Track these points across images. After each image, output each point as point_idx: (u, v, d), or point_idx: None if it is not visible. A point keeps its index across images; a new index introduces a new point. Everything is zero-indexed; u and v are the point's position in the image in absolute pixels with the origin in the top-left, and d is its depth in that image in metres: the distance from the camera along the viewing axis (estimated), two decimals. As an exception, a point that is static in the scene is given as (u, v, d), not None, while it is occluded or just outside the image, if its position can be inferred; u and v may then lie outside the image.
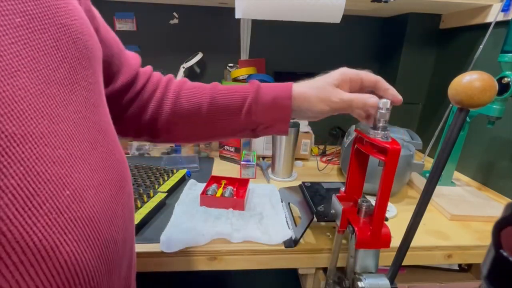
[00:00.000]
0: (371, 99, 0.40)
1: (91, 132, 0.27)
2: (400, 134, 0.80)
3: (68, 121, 0.24)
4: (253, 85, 0.45)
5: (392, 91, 0.42)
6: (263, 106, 0.43)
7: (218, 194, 0.68)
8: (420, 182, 0.83)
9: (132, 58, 0.46)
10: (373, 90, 0.44)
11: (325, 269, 0.57)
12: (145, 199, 0.65)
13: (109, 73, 0.41)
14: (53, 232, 0.22)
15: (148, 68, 0.49)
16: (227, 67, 1.10)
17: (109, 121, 0.32)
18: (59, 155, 0.23)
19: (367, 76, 0.43)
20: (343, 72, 0.43)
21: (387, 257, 0.50)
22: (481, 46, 0.72)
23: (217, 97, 0.44)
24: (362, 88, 0.44)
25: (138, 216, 0.58)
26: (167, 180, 0.76)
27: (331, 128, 1.13)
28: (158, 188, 0.72)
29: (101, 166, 0.27)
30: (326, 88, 0.42)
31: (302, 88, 0.43)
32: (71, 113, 0.25)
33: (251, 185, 0.74)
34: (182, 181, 0.79)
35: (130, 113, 0.45)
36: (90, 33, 0.29)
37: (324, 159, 1.01)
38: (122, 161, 0.32)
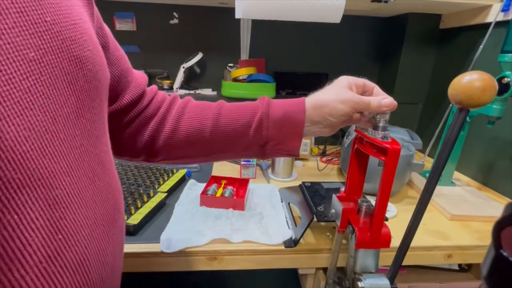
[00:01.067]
0: (385, 99, 0.40)
1: (91, 166, 0.27)
2: (400, 134, 0.80)
3: (70, 158, 0.24)
4: (263, 100, 0.43)
5: (387, 96, 0.42)
6: (275, 120, 0.41)
7: (218, 194, 0.68)
8: (420, 182, 0.83)
9: (139, 77, 0.45)
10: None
11: (325, 269, 0.57)
12: (145, 199, 0.65)
13: (116, 92, 0.40)
14: (42, 283, 0.21)
15: (154, 87, 0.47)
16: (227, 67, 1.10)
17: (109, 150, 0.31)
18: (55, 195, 0.22)
19: (367, 82, 0.44)
20: (348, 78, 0.43)
21: (387, 257, 0.50)
22: (481, 46, 0.72)
23: (223, 113, 0.43)
24: (363, 94, 0.44)
25: (138, 216, 0.58)
26: (167, 180, 0.76)
27: (331, 128, 1.13)
28: (158, 188, 0.72)
29: (97, 200, 0.27)
30: (343, 90, 0.41)
31: (316, 97, 0.42)
32: (74, 149, 0.24)
33: (251, 185, 0.74)
34: (182, 181, 0.79)
35: (129, 132, 0.44)
36: (101, 62, 0.29)
37: (324, 159, 1.01)
38: (117, 190, 0.32)
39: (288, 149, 0.43)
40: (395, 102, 0.41)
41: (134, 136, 0.44)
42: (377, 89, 0.44)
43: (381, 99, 0.41)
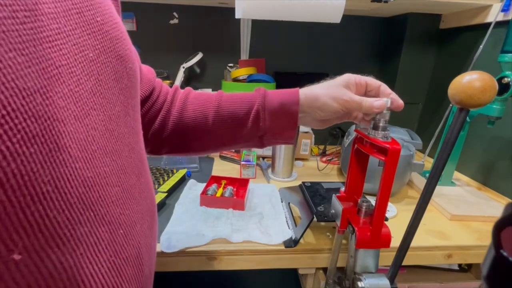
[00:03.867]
0: (377, 101, 0.40)
1: (136, 163, 0.27)
2: (400, 134, 0.80)
3: (122, 156, 0.25)
4: (259, 91, 0.44)
5: (394, 95, 0.42)
6: (271, 112, 0.43)
7: (218, 194, 0.68)
8: (420, 182, 0.83)
9: (149, 72, 0.45)
10: (375, 95, 0.44)
11: (325, 269, 0.57)
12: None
13: None
14: (112, 275, 0.23)
15: (159, 80, 0.48)
16: (227, 67, 1.10)
17: (144, 147, 0.32)
18: (116, 193, 0.23)
19: (371, 80, 0.43)
20: (349, 76, 0.43)
21: (387, 257, 0.50)
22: (481, 46, 0.72)
23: (222, 105, 0.44)
24: (365, 92, 0.44)
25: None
26: (167, 180, 0.76)
27: (331, 128, 1.13)
28: (158, 188, 0.72)
29: (142, 197, 0.28)
30: (337, 87, 0.42)
31: (311, 90, 0.43)
32: (124, 147, 0.25)
33: (251, 185, 0.74)
34: (182, 181, 0.79)
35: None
36: (136, 59, 0.29)
37: (324, 159, 1.01)
38: (152, 188, 0.33)
39: (284, 138, 0.45)
40: (401, 102, 0.41)
41: (144, 129, 0.45)
42: (384, 87, 0.43)
43: (373, 101, 0.40)
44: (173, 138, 0.46)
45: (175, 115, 0.45)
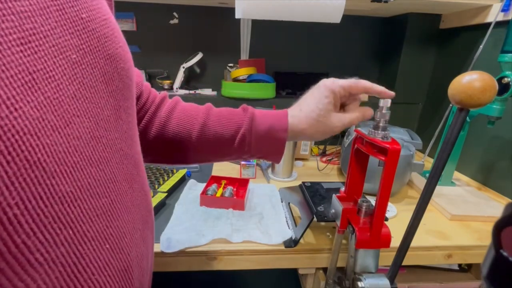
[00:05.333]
0: (368, 112, 0.42)
1: (129, 169, 0.26)
2: (400, 134, 0.80)
3: (112, 163, 0.23)
4: (247, 112, 0.43)
5: (385, 92, 0.41)
6: (257, 137, 0.42)
7: (218, 194, 0.68)
8: (420, 182, 0.83)
9: (137, 75, 0.43)
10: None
11: (325, 269, 0.57)
12: (145, 199, 0.65)
13: None
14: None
15: (148, 84, 0.46)
16: (227, 67, 1.10)
17: (140, 150, 0.30)
18: (102, 205, 0.22)
19: (355, 86, 0.42)
20: (332, 91, 0.41)
21: (387, 257, 0.50)
22: (481, 46, 0.72)
23: (208, 125, 0.43)
24: (351, 96, 0.43)
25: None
26: (167, 180, 0.76)
27: (331, 128, 1.13)
28: (158, 188, 0.72)
29: (134, 204, 0.26)
30: (324, 120, 0.41)
31: (298, 120, 0.42)
32: (115, 153, 0.24)
33: (251, 185, 0.74)
34: (182, 181, 0.79)
35: None
36: (130, 58, 0.27)
37: (324, 159, 1.01)
38: (148, 191, 0.31)
39: (270, 160, 0.45)
40: (390, 93, 0.40)
41: None
42: (373, 88, 0.41)
43: (364, 116, 0.42)
44: (156, 146, 0.44)
45: (158, 125, 0.43)
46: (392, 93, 0.41)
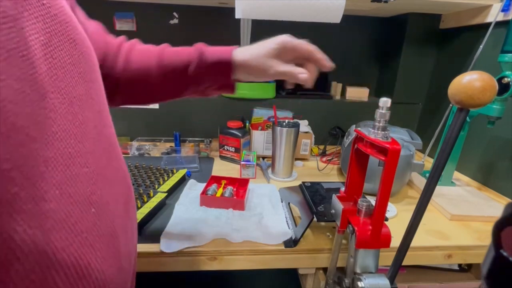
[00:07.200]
0: (302, 75, 0.44)
1: (105, 147, 0.28)
2: (400, 134, 0.80)
3: (89, 138, 0.25)
4: (197, 46, 0.47)
5: (323, 60, 0.45)
6: (207, 64, 0.45)
7: (218, 194, 0.68)
8: (420, 182, 0.83)
9: (97, 34, 0.44)
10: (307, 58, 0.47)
11: (325, 269, 0.57)
12: (145, 199, 0.65)
13: None
14: (86, 251, 0.23)
15: (111, 39, 0.48)
16: (227, 67, 1.10)
17: (114, 131, 0.32)
18: (85, 173, 0.24)
19: (301, 47, 0.46)
20: (283, 42, 0.46)
21: (387, 257, 0.50)
22: (481, 46, 0.72)
23: (164, 57, 0.46)
24: (297, 57, 0.47)
25: (138, 216, 0.58)
26: (167, 180, 0.76)
27: (331, 128, 1.13)
28: (158, 188, 0.72)
29: (115, 180, 0.28)
30: (265, 61, 0.45)
31: (244, 51, 0.46)
32: (91, 130, 0.25)
33: (251, 185, 0.74)
34: (182, 181, 0.79)
35: None
36: (90, 45, 0.29)
37: (324, 159, 1.01)
38: (127, 173, 0.33)
39: (223, 91, 0.49)
40: (328, 65, 0.45)
41: None
42: (314, 53, 0.46)
43: (298, 74, 0.44)
44: (122, 89, 0.47)
45: (121, 66, 0.46)
46: (330, 65, 0.45)
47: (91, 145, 0.25)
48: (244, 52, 0.46)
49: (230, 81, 0.47)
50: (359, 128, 0.44)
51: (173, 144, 1.02)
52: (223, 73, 0.46)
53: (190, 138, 1.07)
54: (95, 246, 0.24)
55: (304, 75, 0.44)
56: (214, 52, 0.46)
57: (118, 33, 0.44)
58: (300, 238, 0.56)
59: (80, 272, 0.23)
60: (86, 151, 0.24)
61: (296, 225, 0.60)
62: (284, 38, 0.46)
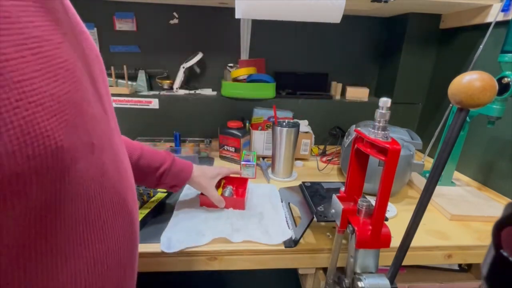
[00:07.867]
0: (220, 203, 0.65)
1: (121, 143, 0.32)
2: (400, 134, 0.80)
3: (115, 134, 0.30)
4: (170, 155, 0.61)
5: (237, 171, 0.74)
6: (172, 174, 0.60)
7: (218, 194, 0.68)
8: (420, 182, 0.83)
9: None
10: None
11: (325, 269, 0.57)
12: (145, 199, 0.65)
13: None
14: (116, 219, 0.27)
15: None
16: (227, 67, 1.10)
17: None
18: (111, 157, 0.27)
19: (228, 173, 0.71)
20: (219, 174, 0.68)
21: (387, 257, 0.50)
22: (481, 46, 0.72)
23: (143, 155, 0.57)
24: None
25: (139, 216, 0.58)
26: (167, 180, 0.76)
27: (331, 128, 1.13)
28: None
29: (129, 172, 0.32)
30: (208, 187, 0.63)
31: (198, 179, 0.63)
32: (115, 126, 0.30)
33: (251, 185, 0.74)
34: (182, 181, 0.79)
35: None
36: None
37: (324, 159, 1.01)
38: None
39: (170, 190, 0.62)
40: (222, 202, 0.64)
41: None
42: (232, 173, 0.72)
43: (217, 202, 0.64)
44: None
45: None
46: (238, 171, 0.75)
47: (111, 132, 0.28)
48: (199, 173, 0.63)
49: (183, 185, 0.62)
50: (359, 128, 0.44)
51: (173, 144, 1.02)
52: (183, 179, 0.61)
53: (190, 138, 1.07)
54: (120, 219, 0.27)
55: (222, 203, 0.65)
56: (180, 162, 0.61)
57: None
58: (300, 238, 0.56)
59: (125, 208, 0.29)
60: (108, 135, 0.27)
61: (296, 225, 0.60)
62: (220, 171, 0.68)
